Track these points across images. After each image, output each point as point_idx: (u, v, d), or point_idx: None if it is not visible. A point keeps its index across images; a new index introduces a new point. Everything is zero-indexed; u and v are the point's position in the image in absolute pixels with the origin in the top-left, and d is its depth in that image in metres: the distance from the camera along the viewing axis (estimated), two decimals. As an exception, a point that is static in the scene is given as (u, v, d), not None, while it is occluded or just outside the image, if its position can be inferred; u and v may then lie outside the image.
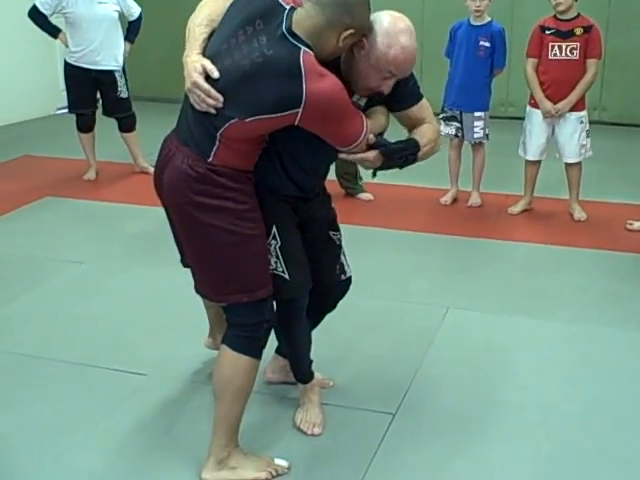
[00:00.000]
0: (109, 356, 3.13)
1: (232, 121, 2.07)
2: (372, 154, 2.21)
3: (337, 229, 2.65)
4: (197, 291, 2.42)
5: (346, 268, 2.67)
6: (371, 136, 2.18)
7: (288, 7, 2.07)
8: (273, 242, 2.34)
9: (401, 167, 2.30)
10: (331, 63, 2.11)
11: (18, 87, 7.59)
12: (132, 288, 3.81)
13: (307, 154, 2.32)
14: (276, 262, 2.35)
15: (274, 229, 2.33)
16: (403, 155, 2.25)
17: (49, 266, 4.08)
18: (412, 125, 2.34)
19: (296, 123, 2.06)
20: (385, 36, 2.10)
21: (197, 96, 2.07)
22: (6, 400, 2.84)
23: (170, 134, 2.30)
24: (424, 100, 2.37)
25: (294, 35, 2.02)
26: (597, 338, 3.32)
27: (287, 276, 2.36)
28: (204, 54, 2.11)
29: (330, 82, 2.02)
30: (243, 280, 2.25)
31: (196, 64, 2.08)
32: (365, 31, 2.11)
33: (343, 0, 2.03)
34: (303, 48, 2.01)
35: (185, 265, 2.57)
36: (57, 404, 2.81)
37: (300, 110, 2.01)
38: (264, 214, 2.27)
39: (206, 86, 2.06)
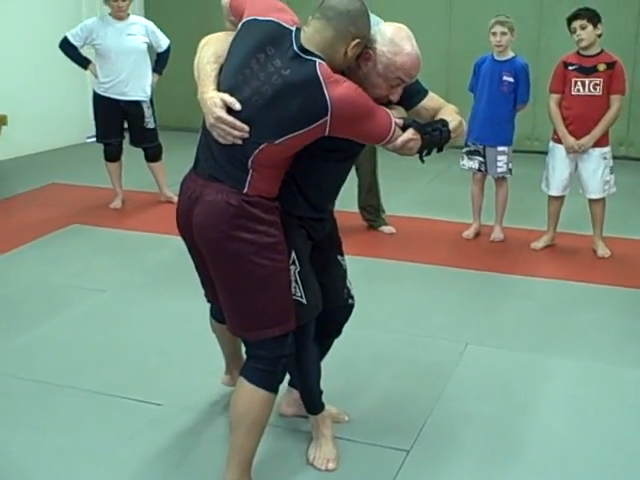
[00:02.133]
0: (127, 385, 3.16)
1: (262, 146, 2.12)
2: (409, 133, 2.24)
3: (343, 254, 2.69)
4: (229, 330, 2.42)
5: (352, 292, 2.71)
6: (399, 120, 2.23)
7: (294, 28, 2.14)
8: (292, 267, 2.36)
9: (440, 147, 2.32)
10: None
11: (51, 116, 7.74)
12: (153, 317, 3.84)
13: (321, 173, 2.37)
14: (295, 287, 2.37)
15: (293, 254, 2.36)
16: (436, 127, 2.29)
17: (72, 294, 4.13)
18: (431, 117, 2.38)
19: (327, 133, 2.11)
20: (390, 45, 2.19)
21: (222, 130, 2.11)
22: (25, 426, 2.87)
23: (189, 175, 2.33)
24: (431, 93, 2.43)
25: (306, 51, 2.10)
26: (616, 377, 3.28)
27: (304, 301, 2.39)
28: (218, 89, 2.16)
29: (348, 84, 2.10)
30: (276, 313, 2.27)
31: (215, 99, 2.12)
32: (367, 40, 2.19)
33: (347, 12, 2.11)
34: (317, 60, 2.08)
35: (209, 300, 2.60)
36: (74, 432, 2.83)
37: (328, 118, 2.06)
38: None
39: (230, 119, 2.10)
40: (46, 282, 4.30)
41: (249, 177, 2.17)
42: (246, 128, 2.10)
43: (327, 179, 2.43)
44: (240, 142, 2.12)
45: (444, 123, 2.31)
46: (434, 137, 2.28)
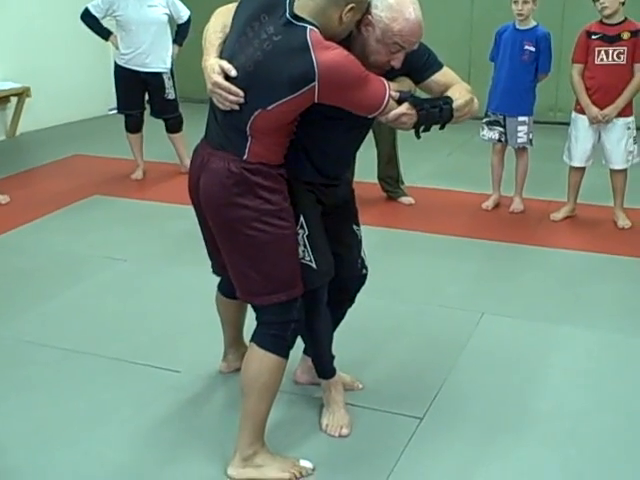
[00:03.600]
0: (146, 353, 3.21)
1: (256, 112, 2.14)
2: (404, 107, 2.23)
3: (359, 224, 2.70)
4: (238, 297, 2.46)
5: (365, 262, 2.72)
6: (394, 93, 2.21)
7: None
8: (301, 231, 2.38)
9: (442, 124, 2.30)
10: (341, 45, 2.15)
11: (74, 88, 7.79)
12: (172, 286, 3.88)
13: (328, 141, 2.38)
14: (304, 251, 2.39)
15: (301, 218, 2.38)
16: (436, 104, 2.27)
17: (93, 263, 4.19)
18: (441, 92, 2.36)
19: (316, 99, 2.11)
20: (389, 11, 2.18)
21: (219, 95, 2.16)
22: (45, 392, 2.93)
23: (200, 143, 2.37)
24: (446, 68, 2.41)
25: (299, 18, 2.11)
26: (633, 349, 3.27)
27: (314, 265, 2.41)
28: (220, 58, 2.20)
29: (338, 51, 2.09)
30: (282, 279, 2.31)
31: (214, 66, 2.17)
32: (364, 5, 2.18)
33: None
34: (309, 27, 2.09)
35: (215, 272, 2.64)
36: (93, 398, 2.89)
37: (316, 83, 2.07)
38: (291, 203, 2.32)
39: (226, 84, 2.14)
40: (67, 252, 4.36)
41: (249, 144, 2.20)
42: (241, 93, 2.13)
43: (335, 147, 2.43)
44: (237, 108, 2.15)
45: (446, 101, 2.29)
46: (431, 114, 2.25)
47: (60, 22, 7.33)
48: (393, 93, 2.20)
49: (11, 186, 5.50)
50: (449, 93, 2.33)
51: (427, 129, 2.30)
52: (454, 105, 2.29)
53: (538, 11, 4.80)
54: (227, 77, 2.15)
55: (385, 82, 2.20)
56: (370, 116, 2.25)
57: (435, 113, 2.26)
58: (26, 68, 7.20)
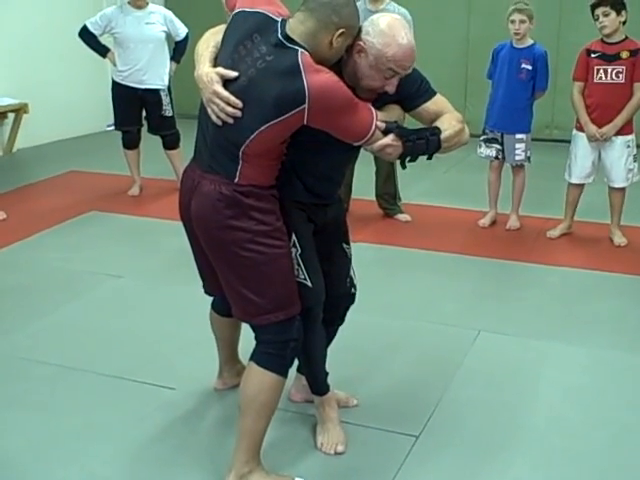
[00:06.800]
0: (141, 369, 3.19)
1: (251, 136, 2.14)
2: (389, 138, 2.23)
3: (349, 242, 2.69)
4: (235, 317, 2.46)
5: (355, 281, 2.71)
6: (380, 123, 2.21)
7: (280, 19, 2.18)
8: (294, 250, 2.38)
9: (428, 154, 2.29)
10: (332, 70, 2.17)
11: (71, 104, 7.80)
12: (168, 303, 3.87)
13: (318, 162, 2.38)
14: (298, 269, 2.39)
15: (294, 237, 2.38)
16: (422, 136, 2.25)
17: (89, 279, 4.18)
18: (431, 120, 2.36)
19: (305, 122, 2.12)
20: (381, 36, 2.19)
21: (217, 105, 2.14)
22: (40, 408, 2.92)
23: (190, 165, 2.37)
24: (438, 96, 2.40)
25: (291, 40, 2.13)
26: (630, 366, 3.26)
27: (309, 283, 2.41)
28: None
29: (329, 75, 2.11)
30: (279, 298, 2.30)
31: (211, 74, 2.16)
32: (355, 30, 2.20)
33: (329, 2, 2.14)
34: (300, 50, 2.11)
35: (207, 292, 2.64)
36: (88, 415, 2.87)
37: (306, 106, 2.08)
38: (284, 222, 2.32)
39: (226, 93, 2.13)
40: (64, 268, 4.35)
41: (240, 167, 2.20)
42: (239, 104, 2.12)
43: (326, 167, 2.43)
44: (231, 121, 2.14)
45: (434, 132, 2.28)
46: (417, 145, 2.24)
47: (58, 39, 7.35)
48: (379, 123, 2.21)
49: (8, 202, 5.50)
50: (438, 123, 2.32)
51: (413, 160, 2.29)
52: (442, 136, 2.27)
53: (534, 29, 4.83)
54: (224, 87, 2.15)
55: (373, 111, 2.21)
56: (356, 144, 2.26)
57: (421, 145, 2.25)
58: (24, 84, 7.22)
